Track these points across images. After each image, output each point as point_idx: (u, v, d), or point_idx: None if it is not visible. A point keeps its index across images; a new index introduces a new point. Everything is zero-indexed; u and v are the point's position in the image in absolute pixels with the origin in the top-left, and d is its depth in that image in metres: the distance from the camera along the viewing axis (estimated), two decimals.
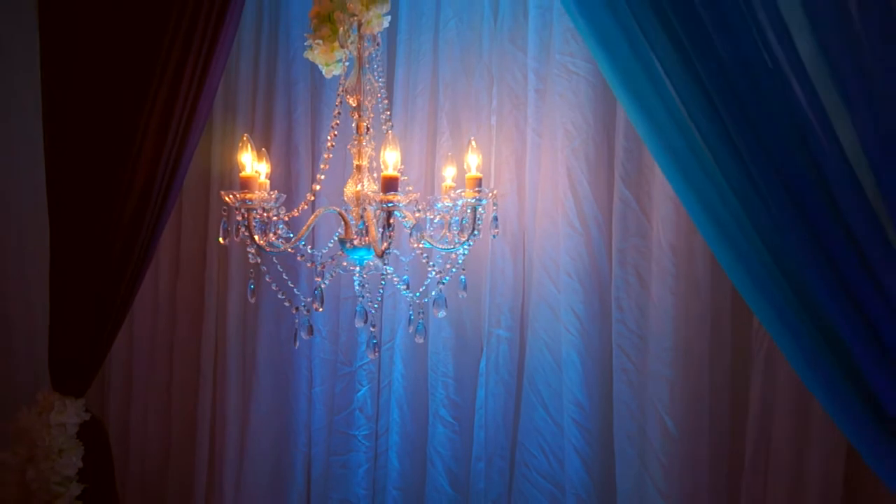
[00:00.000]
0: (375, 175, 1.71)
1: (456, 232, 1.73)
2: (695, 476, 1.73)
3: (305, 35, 1.68)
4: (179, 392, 2.50)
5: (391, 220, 1.51)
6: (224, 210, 1.62)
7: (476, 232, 1.69)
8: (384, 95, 1.74)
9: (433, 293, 1.70)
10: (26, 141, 2.35)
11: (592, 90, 1.86)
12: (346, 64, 1.70)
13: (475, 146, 1.72)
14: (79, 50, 1.95)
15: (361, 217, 1.65)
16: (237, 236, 1.60)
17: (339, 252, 1.71)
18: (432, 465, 2.15)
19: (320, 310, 1.66)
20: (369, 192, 1.66)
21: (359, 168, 1.70)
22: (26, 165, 2.41)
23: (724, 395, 1.77)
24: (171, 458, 2.52)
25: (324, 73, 1.70)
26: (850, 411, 1.26)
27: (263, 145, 1.99)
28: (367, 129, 1.70)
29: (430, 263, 1.76)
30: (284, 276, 1.77)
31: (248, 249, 1.61)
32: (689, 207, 1.42)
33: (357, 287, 1.75)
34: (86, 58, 1.94)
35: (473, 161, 1.71)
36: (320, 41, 1.65)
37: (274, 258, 1.74)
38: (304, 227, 1.65)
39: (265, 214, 1.61)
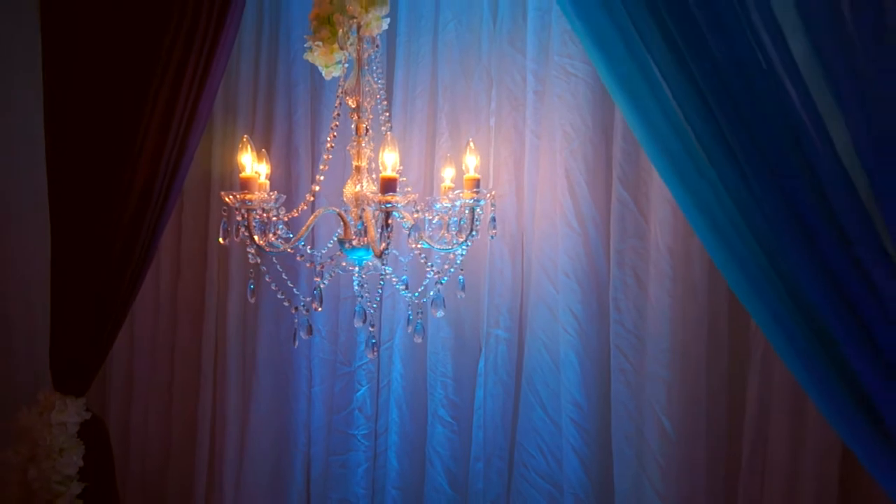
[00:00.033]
0: (374, 176, 1.71)
1: (454, 232, 1.74)
2: (692, 478, 1.74)
3: (305, 37, 1.68)
4: (180, 391, 2.51)
5: (390, 221, 1.52)
6: (224, 210, 1.63)
7: (474, 232, 1.69)
8: (383, 97, 1.75)
9: (432, 293, 1.71)
10: (27, 141, 2.35)
11: (591, 92, 1.87)
12: (346, 66, 1.70)
13: (473, 147, 1.73)
14: (80, 50, 1.96)
15: (360, 217, 1.65)
16: (237, 236, 1.61)
17: (339, 252, 1.71)
18: (431, 464, 2.15)
19: (319, 310, 1.67)
20: (368, 193, 1.67)
21: (358, 169, 1.70)
22: (26, 165, 2.41)
23: (721, 397, 1.77)
24: (171, 458, 2.52)
25: (323, 74, 1.71)
26: (845, 412, 1.27)
27: (264, 146, 2.00)
28: (367, 130, 1.71)
29: (429, 264, 1.77)
30: (284, 277, 1.77)
31: (248, 250, 1.62)
32: (684, 209, 1.43)
33: (356, 287, 1.76)
34: (87, 58, 1.95)
35: (472, 162, 1.71)
36: (320, 43, 1.65)
37: (274, 258, 1.74)
38: (304, 228, 1.66)
39: (265, 215, 1.62)
